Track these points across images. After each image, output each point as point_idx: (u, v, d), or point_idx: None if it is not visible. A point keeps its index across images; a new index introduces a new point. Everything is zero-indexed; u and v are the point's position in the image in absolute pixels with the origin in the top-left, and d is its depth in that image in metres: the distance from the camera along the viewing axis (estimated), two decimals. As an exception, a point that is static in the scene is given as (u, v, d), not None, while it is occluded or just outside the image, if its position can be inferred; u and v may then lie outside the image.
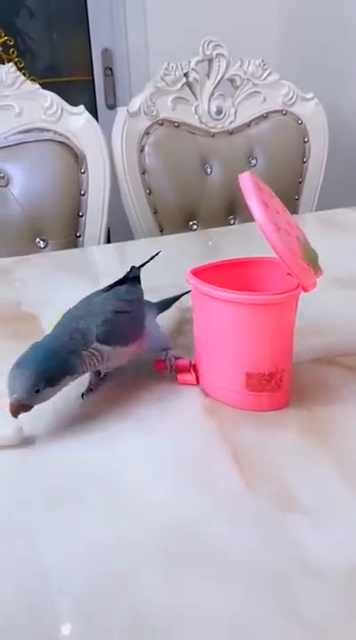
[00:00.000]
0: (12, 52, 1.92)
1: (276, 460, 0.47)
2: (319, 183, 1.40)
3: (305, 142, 1.37)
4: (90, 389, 0.56)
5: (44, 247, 1.18)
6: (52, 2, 1.96)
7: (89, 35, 1.93)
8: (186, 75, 1.23)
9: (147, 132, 1.22)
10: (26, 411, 0.48)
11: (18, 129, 1.13)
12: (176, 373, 0.58)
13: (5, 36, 1.89)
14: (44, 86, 1.15)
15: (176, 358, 0.58)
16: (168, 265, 0.73)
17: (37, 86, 1.14)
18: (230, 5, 1.84)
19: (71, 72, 2.04)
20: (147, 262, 0.63)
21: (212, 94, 1.27)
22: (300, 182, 1.39)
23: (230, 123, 1.31)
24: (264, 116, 1.33)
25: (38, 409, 0.55)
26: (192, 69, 1.23)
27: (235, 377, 0.52)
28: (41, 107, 1.13)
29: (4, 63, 1.13)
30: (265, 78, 1.31)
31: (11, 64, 1.12)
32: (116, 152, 1.18)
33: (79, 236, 1.20)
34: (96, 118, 1.18)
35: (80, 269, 0.97)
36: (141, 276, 0.63)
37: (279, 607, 0.35)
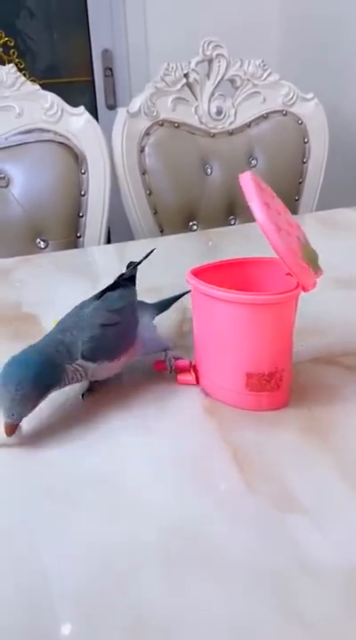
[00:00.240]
0: (13, 52, 1.92)
1: (276, 459, 0.47)
2: (319, 183, 1.40)
3: (305, 142, 1.37)
4: (90, 390, 0.56)
5: (44, 247, 1.18)
6: (52, 2, 1.96)
7: (89, 35, 1.93)
8: (186, 75, 1.23)
9: (147, 133, 1.22)
10: (18, 425, 0.49)
11: (18, 130, 1.13)
12: (176, 374, 0.58)
13: (6, 36, 1.89)
14: (44, 87, 1.15)
15: (176, 359, 0.59)
16: (168, 265, 0.73)
17: (38, 87, 1.14)
18: (230, 6, 1.84)
19: (71, 73, 2.05)
20: (143, 259, 0.62)
21: (212, 95, 1.27)
22: (300, 182, 1.39)
23: (231, 123, 1.31)
24: (264, 117, 1.34)
25: (38, 408, 0.55)
26: (192, 70, 1.23)
27: (235, 377, 0.52)
28: (41, 107, 1.13)
29: (4, 64, 1.13)
30: (265, 79, 1.31)
31: (11, 65, 1.12)
32: (116, 152, 1.18)
33: (79, 237, 1.20)
34: (96, 119, 1.19)
35: (80, 270, 0.97)
36: (142, 277, 0.63)
37: (279, 607, 0.35)
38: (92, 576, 0.38)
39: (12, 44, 1.91)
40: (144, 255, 0.62)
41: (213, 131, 1.30)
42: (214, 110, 1.28)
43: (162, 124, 1.23)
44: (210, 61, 1.25)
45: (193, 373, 0.57)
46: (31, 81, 1.15)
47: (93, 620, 0.35)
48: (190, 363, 0.58)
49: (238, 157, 1.32)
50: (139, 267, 0.62)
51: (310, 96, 1.35)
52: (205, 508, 0.43)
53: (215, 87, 1.27)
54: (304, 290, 0.50)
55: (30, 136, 1.14)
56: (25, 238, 1.16)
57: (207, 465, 0.48)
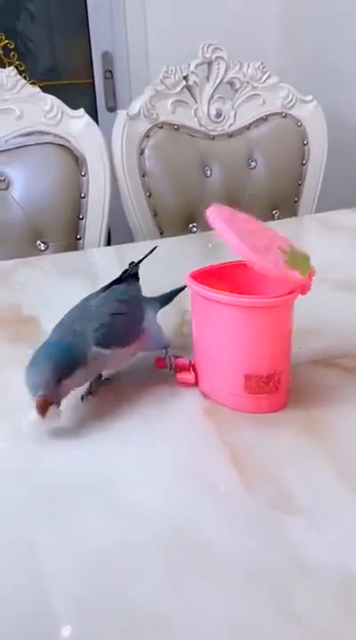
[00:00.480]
0: (13, 55, 1.92)
1: (274, 461, 0.47)
2: (318, 185, 1.41)
3: (305, 144, 1.37)
4: (90, 392, 0.57)
5: (44, 250, 1.18)
6: (52, 5, 1.96)
7: (89, 38, 1.94)
8: (186, 78, 1.24)
9: (147, 135, 1.22)
10: (51, 404, 0.48)
11: (18, 132, 1.14)
12: (176, 372, 0.58)
13: (6, 39, 1.90)
14: (44, 89, 1.16)
15: (176, 357, 0.59)
16: (168, 267, 0.74)
17: (38, 89, 1.14)
18: (230, 9, 1.85)
19: (72, 75, 2.05)
20: (145, 257, 0.62)
21: (211, 97, 1.28)
22: (300, 184, 1.39)
23: (230, 125, 1.31)
24: (264, 119, 1.34)
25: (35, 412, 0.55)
26: (192, 72, 1.24)
27: (233, 379, 0.52)
28: (41, 110, 1.14)
29: (4, 67, 1.13)
30: (264, 81, 1.32)
31: (11, 67, 1.12)
32: (116, 155, 1.19)
33: (79, 239, 1.21)
34: (96, 121, 1.19)
35: (81, 272, 0.97)
36: (142, 279, 0.63)
37: (277, 607, 0.35)
38: (91, 577, 0.38)
39: (12, 47, 1.91)
40: (146, 253, 0.62)
41: (212, 133, 1.30)
42: (213, 113, 1.28)
43: (162, 127, 1.24)
44: (209, 64, 1.26)
45: (193, 372, 0.57)
46: (31, 83, 1.15)
47: (92, 621, 0.35)
48: (190, 362, 0.58)
49: (237, 159, 1.33)
50: (139, 269, 0.62)
51: (309, 98, 1.36)
52: (203, 509, 0.43)
53: (215, 90, 1.28)
54: (303, 292, 0.51)
55: (30, 138, 1.14)
56: (25, 240, 1.17)
57: (206, 466, 0.48)
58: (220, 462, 0.48)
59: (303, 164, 1.39)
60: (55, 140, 1.15)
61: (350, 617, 0.35)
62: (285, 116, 1.35)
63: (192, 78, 1.24)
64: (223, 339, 0.52)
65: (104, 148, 1.17)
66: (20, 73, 1.15)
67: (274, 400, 0.53)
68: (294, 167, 1.38)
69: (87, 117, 1.16)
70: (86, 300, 0.58)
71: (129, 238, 1.24)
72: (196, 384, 0.57)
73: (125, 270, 0.61)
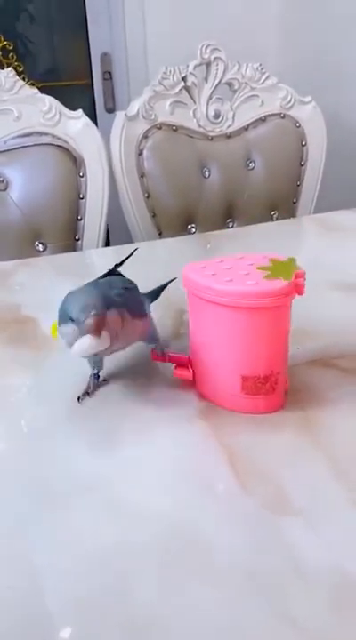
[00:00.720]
0: (12, 56, 1.92)
1: (271, 462, 0.47)
2: (317, 186, 1.41)
3: (303, 145, 1.37)
4: (87, 393, 0.57)
5: (43, 251, 1.18)
6: (51, 6, 1.96)
7: (88, 39, 1.94)
8: (184, 79, 1.24)
9: (145, 136, 1.22)
10: (102, 328, 0.47)
11: (17, 133, 1.14)
12: (171, 364, 0.58)
13: (5, 40, 1.90)
14: (43, 90, 1.16)
15: (174, 354, 0.59)
16: (167, 268, 0.73)
17: (36, 90, 1.14)
18: (229, 9, 1.85)
19: (71, 76, 2.05)
20: (125, 260, 0.61)
21: (210, 98, 1.28)
22: (298, 185, 1.39)
23: (229, 126, 1.31)
24: (262, 120, 1.34)
25: (34, 411, 0.56)
26: (190, 73, 1.24)
27: (231, 380, 0.52)
28: (39, 111, 1.14)
29: (2, 68, 1.13)
30: (263, 82, 1.32)
31: (10, 68, 1.12)
32: (114, 156, 1.19)
33: (78, 240, 1.21)
34: (95, 122, 1.19)
35: (79, 273, 0.97)
36: (141, 279, 0.63)
37: (273, 609, 0.35)
38: (87, 578, 0.38)
39: (10, 48, 1.91)
40: (127, 255, 0.62)
41: (211, 134, 1.30)
42: (212, 113, 1.28)
43: (160, 128, 1.24)
44: (208, 65, 1.26)
45: (190, 368, 0.57)
46: (30, 84, 1.15)
47: (91, 621, 0.35)
48: (189, 358, 0.58)
49: (236, 160, 1.33)
50: (138, 269, 0.62)
51: (308, 99, 1.36)
52: (201, 510, 0.43)
53: (213, 90, 1.28)
54: (300, 293, 0.51)
55: (28, 139, 1.14)
56: (23, 241, 1.17)
57: (203, 467, 0.48)
58: (217, 463, 0.48)
59: (302, 165, 1.39)
60: (53, 140, 1.15)
61: (346, 619, 0.35)
62: (283, 117, 1.35)
63: (191, 79, 1.24)
64: (220, 339, 0.52)
65: (103, 149, 1.17)
66: (19, 74, 1.15)
67: (271, 401, 0.53)
68: (292, 168, 1.38)
69: (85, 118, 1.16)
70: (90, 283, 0.56)
71: (128, 239, 1.24)
72: (193, 380, 0.57)
73: (107, 272, 0.60)
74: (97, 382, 0.58)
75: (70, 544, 0.41)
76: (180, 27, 1.79)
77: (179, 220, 1.29)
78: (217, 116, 1.29)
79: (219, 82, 1.27)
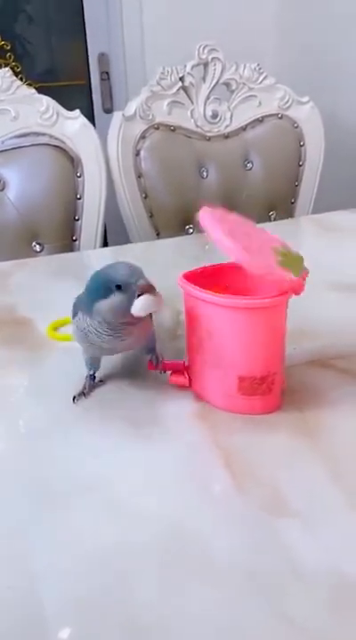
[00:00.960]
0: (10, 56, 1.92)
1: (268, 463, 0.47)
2: (315, 186, 1.41)
3: (301, 146, 1.37)
4: (83, 393, 0.56)
5: (40, 251, 1.18)
6: (49, 7, 1.96)
7: (86, 39, 1.94)
8: (182, 79, 1.24)
9: (143, 136, 1.22)
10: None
11: (14, 133, 1.14)
12: (164, 372, 0.58)
13: (3, 40, 1.90)
14: (41, 90, 1.15)
15: (169, 361, 0.58)
16: (165, 268, 0.73)
17: (33, 91, 1.14)
18: (227, 9, 1.85)
19: (68, 76, 2.05)
20: None
21: (207, 98, 1.27)
22: (296, 185, 1.39)
23: (226, 126, 1.31)
24: (260, 120, 1.34)
25: (31, 411, 0.55)
26: (188, 73, 1.24)
27: (227, 380, 0.52)
28: (37, 111, 1.14)
29: (0, 68, 1.13)
30: (261, 82, 1.31)
31: (7, 69, 1.12)
32: (111, 156, 1.18)
33: (75, 240, 1.20)
34: (93, 122, 1.19)
35: (76, 273, 0.97)
36: None
37: (270, 610, 0.35)
38: (85, 579, 0.38)
39: (8, 48, 1.91)
40: None
41: (208, 134, 1.30)
42: (209, 114, 1.28)
43: (158, 128, 1.23)
44: (206, 65, 1.25)
45: (186, 375, 0.57)
46: (27, 85, 1.15)
47: (88, 622, 0.35)
48: (184, 363, 0.58)
49: (233, 161, 1.33)
50: None
51: (305, 99, 1.36)
52: (197, 511, 0.43)
53: (211, 91, 1.27)
54: (296, 293, 0.50)
55: (26, 140, 1.14)
56: (21, 242, 1.16)
57: (199, 469, 0.48)
58: (213, 465, 0.47)
59: (300, 166, 1.38)
60: (51, 141, 1.15)
61: (343, 619, 0.35)
62: (281, 118, 1.35)
63: (188, 79, 1.24)
64: (217, 340, 0.52)
65: (100, 149, 1.17)
66: (17, 74, 1.14)
67: (268, 401, 0.53)
68: (290, 168, 1.38)
69: (83, 118, 1.16)
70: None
71: (125, 239, 1.24)
72: (189, 386, 0.56)
73: None
74: (93, 383, 0.58)
75: (68, 544, 0.40)
76: (177, 27, 1.79)
77: (176, 220, 1.29)
78: (215, 116, 1.29)
79: (217, 82, 1.27)
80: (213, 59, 1.25)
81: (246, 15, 1.89)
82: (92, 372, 0.58)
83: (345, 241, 1.05)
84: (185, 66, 1.23)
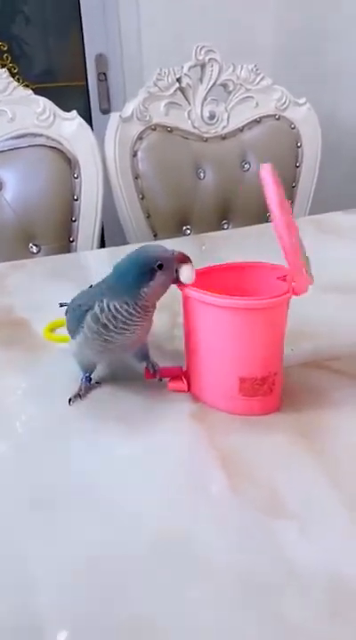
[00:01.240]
0: (7, 57, 1.92)
1: (264, 464, 0.47)
2: (312, 187, 1.41)
3: (298, 147, 1.37)
4: (79, 395, 0.56)
5: (37, 252, 1.18)
6: (46, 8, 1.96)
7: (83, 40, 1.94)
8: (179, 80, 1.24)
9: (140, 137, 1.22)
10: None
11: (10, 134, 1.13)
12: (161, 379, 0.57)
13: (0, 41, 1.89)
14: (38, 91, 1.15)
15: (167, 368, 0.58)
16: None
17: (30, 92, 1.14)
18: (224, 11, 1.85)
19: (66, 77, 2.05)
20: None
21: (205, 99, 1.27)
22: (293, 187, 1.39)
23: (223, 127, 1.31)
24: (257, 121, 1.34)
25: (28, 414, 0.55)
26: (185, 74, 1.24)
27: (228, 382, 0.52)
28: (33, 112, 1.13)
29: (-3, 69, 1.13)
30: (258, 83, 1.31)
31: (3, 70, 1.12)
32: (108, 157, 1.18)
33: (72, 241, 1.20)
34: (90, 123, 1.19)
35: (73, 274, 0.97)
36: None
37: (266, 612, 0.35)
38: (82, 580, 0.38)
39: (5, 49, 1.91)
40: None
41: (206, 135, 1.30)
42: (206, 115, 1.28)
43: (155, 129, 1.23)
44: (203, 66, 1.25)
45: (185, 380, 0.57)
46: (25, 86, 1.15)
47: (81, 627, 0.35)
48: (182, 369, 0.58)
49: (230, 162, 1.33)
50: None
51: (302, 101, 1.36)
52: (193, 513, 0.43)
53: (208, 92, 1.27)
54: (296, 293, 0.50)
55: (22, 141, 1.14)
56: (17, 243, 1.16)
57: (196, 470, 0.48)
58: (210, 467, 0.47)
59: (297, 167, 1.38)
60: (47, 142, 1.15)
61: (340, 621, 0.35)
62: (278, 119, 1.35)
63: (185, 80, 1.24)
64: (217, 341, 0.52)
65: (97, 150, 1.17)
66: (14, 75, 1.14)
67: (268, 402, 0.53)
68: (287, 169, 1.38)
69: (79, 119, 1.16)
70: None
71: (122, 240, 1.24)
72: (188, 391, 0.56)
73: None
74: (89, 385, 0.58)
75: (65, 544, 0.40)
76: (174, 28, 1.79)
77: (174, 221, 1.29)
78: (212, 117, 1.29)
79: (214, 83, 1.27)
80: (210, 60, 1.25)
81: (243, 16, 1.89)
82: (87, 374, 0.58)
83: (342, 242, 1.05)
84: (182, 67, 1.23)
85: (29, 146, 1.14)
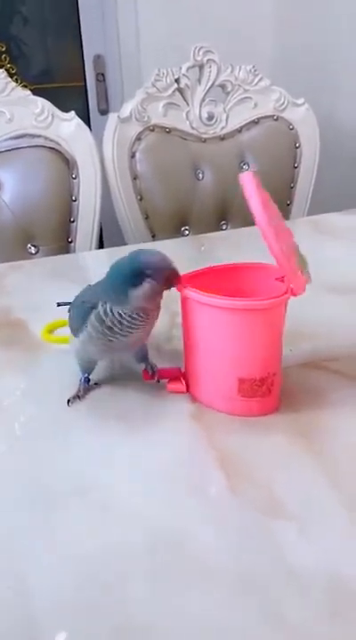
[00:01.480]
0: (5, 58, 1.92)
1: (263, 465, 0.47)
2: (310, 188, 1.41)
3: (296, 147, 1.37)
4: (77, 396, 0.56)
5: (35, 253, 1.18)
6: (45, 8, 1.96)
7: (81, 41, 1.93)
8: (177, 81, 1.24)
9: (138, 138, 1.22)
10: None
11: (9, 135, 1.13)
12: (159, 381, 0.57)
13: (-2, 42, 1.90)
14: (37, 92, 1.15)
15: (165, 369, 0.58)
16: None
17: (28, 92, 1.14)
18: (222, 11, 1.85)
19: (64, 78, 2.05)
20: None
21: (203, 100, 1.28)
22: (292, 187, 1.39)
23: (222, 128, 1.31)
24: (255, 122, 1.34)
25: (27, 415, 0.55)
26: (183, 75, 1.24)
27: (227, 382, 0.52)
28: (32, 113, 1.13)
29: (-5, 69, 1.13)
30: (256, 84, 1.32)
31: (1, 70, 1.12)
32: (107, 158, 1.18)
33: (71, 242, 1.20)
34: (88, 124, 1.19)
35: (72, 275, 0.97)
36: None
37: (264, 613, 0.35)
38: (81, 580, 0.38)
39: (3, 49, 1.91)
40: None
41: (204, 136, 1.30)
42: (205, 115, 1.28)
43: (153, 130, 1.23)
44: (201, 67, 1.26)
45: (183, 381, 0.57)
46: (23, 86, 1.15)
47: (78, 629, 0.35)
48: (180, 370, 0.58)
49: (229, 162, 1.33)
50: None
51: (301, 101, 1.36)
52: (192, 514, 0.43)
53: (206, 92, 1.27)
54: (294, 294, 0.50)
55: (21, 141, 1.14)
56: (15, 244, 1.16)
57: (195, 471, 0.48)
58: (209, 467, 0.47)
59: (295, 167, 1.39)
60: (46, 142, 1.15)
61: (339, 621, 0.35)
62: (276, 119, 1.35)
63: (184, 81, 1.24)
64: (216, 342, 0.52)
65: (95, 151, 1.17)
66: (12, 76, 1.14)
67: (266, 403, 0.53)
68: (286, 170, 1.38)
69: (78, 120, 1.16)
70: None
71: (121, 241, 1.24)
72: (187, 392, 0.56)
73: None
74: (87, 386, 0.58)
75: (64, 545, 0.40)
76: (173, 28, 1.79)
77: (172, 222, 1.29)
78: (210, 118, 1.29)
79: (212, 84, 1.27)
80: (208, 60, 1.25)
81: (241, 17, 1.89)
82: (86, 375, 0.58)
83: (341, 242, 1.05)
84: (180, 68, 1.23)
85: (28, 146, 1.14)
